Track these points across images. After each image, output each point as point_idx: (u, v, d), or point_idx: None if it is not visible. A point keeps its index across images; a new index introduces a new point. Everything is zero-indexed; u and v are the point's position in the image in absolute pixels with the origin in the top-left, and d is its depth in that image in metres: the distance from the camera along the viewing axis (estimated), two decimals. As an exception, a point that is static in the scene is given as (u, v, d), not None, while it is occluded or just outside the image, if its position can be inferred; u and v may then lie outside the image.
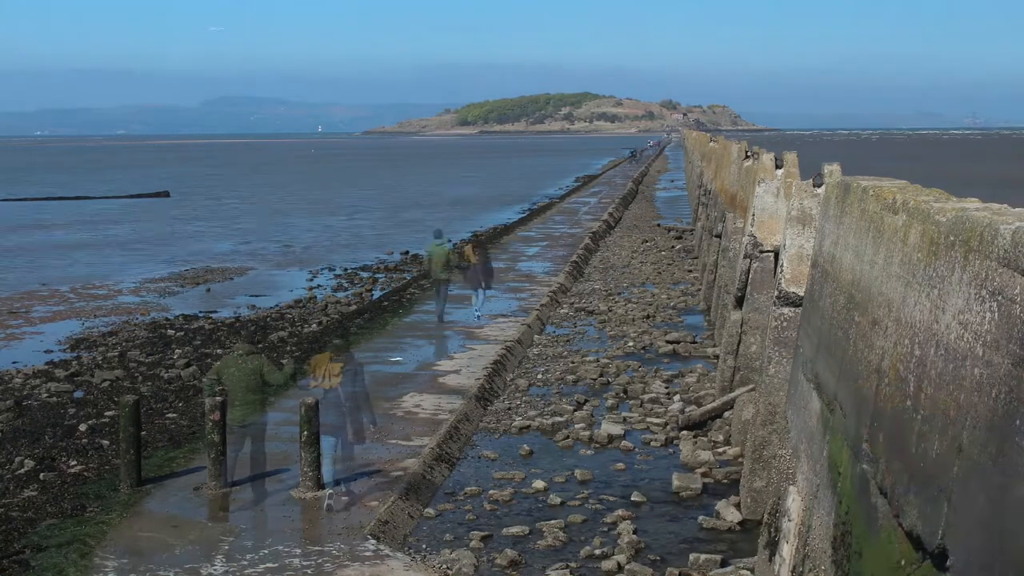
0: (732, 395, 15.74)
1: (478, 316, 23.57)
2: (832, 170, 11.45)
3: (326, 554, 10.70)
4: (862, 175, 8.93)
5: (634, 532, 11.95)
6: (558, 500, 13.10)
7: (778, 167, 16.23)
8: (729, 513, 12.34)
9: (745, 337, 15.62)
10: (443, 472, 14.03)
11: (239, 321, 25.71)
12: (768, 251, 15.16)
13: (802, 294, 10.89)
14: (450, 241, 28.61)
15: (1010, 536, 4.00)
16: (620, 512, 12.62)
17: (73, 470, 13.68)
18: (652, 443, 15.63)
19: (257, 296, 30.94)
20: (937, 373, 5.06)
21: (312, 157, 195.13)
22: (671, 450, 15.34)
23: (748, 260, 15.74)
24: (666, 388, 18.68)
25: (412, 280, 31.51)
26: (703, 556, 11.15)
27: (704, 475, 13.98)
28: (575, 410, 17.24)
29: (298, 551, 10.76)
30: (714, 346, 21.50)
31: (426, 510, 12.66)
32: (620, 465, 14.61)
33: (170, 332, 24.44)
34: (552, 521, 12.31)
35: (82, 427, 15.88)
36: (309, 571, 10.28)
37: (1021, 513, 3.92)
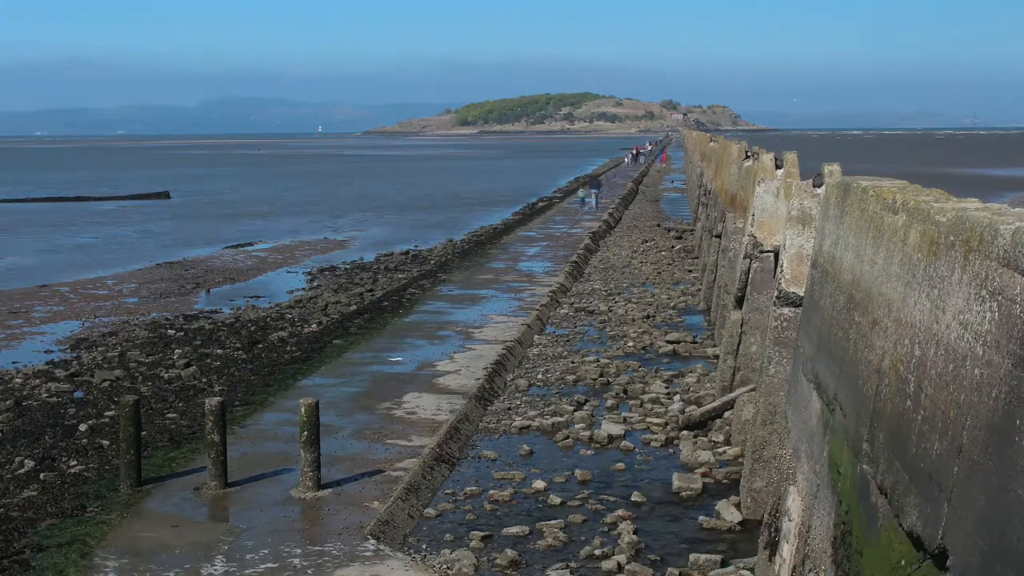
0: (732, 395, 15.73)
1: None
2: (832, 170, 11.45)
3: (326, 554, 10.70)
4: (862, 175, 8.93)
5: (634, 532, 11.95)
6: (558, 500, 13.09)
7: (778, 167, 16.23)
8: (729, 513, 12.34)
9: (745, 337, 15.62)
10: (443, 472, 14.03)
11: (239, 321, 25.70)
12: (768, 251, 15.17)
13: (802, 294, 10.89)
14: None
15: (1010, 536, 4.00)
16: (620, 512, 12.61)
17: (73, 470, 13.67)
18: (652, 443, 15.63)
19: (257, 296, 30.94)
20: (937, 373, 5.06)
21: (312, 158, 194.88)
22: (671, 450, 15.34)
23: (748, 260, 15.74)
24: (666, 388, 18.67)
25: (412, 280, 31.52)
26: (703, 556, 11.15)
27: (704, 475, 13.97)
28: (575, 410, 17.23)
29: (298, 551, 10.76)
30: (714, 346, 21.50)
31: (426, 510, 12.66)
32: (620, 465, 14.61)
33: (170, 332, 24.44)
34: (552, 521, 12.31)
35: (82, 427, 15.87)
36: (309, 571, 10.28)
37: (1021, 513, 3.92)
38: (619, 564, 11.05)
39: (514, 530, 12.05)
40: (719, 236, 24.40)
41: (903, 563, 5.25)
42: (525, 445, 15.38)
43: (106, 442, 14.91)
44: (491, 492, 13.33)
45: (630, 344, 22.44)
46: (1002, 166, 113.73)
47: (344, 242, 47.18)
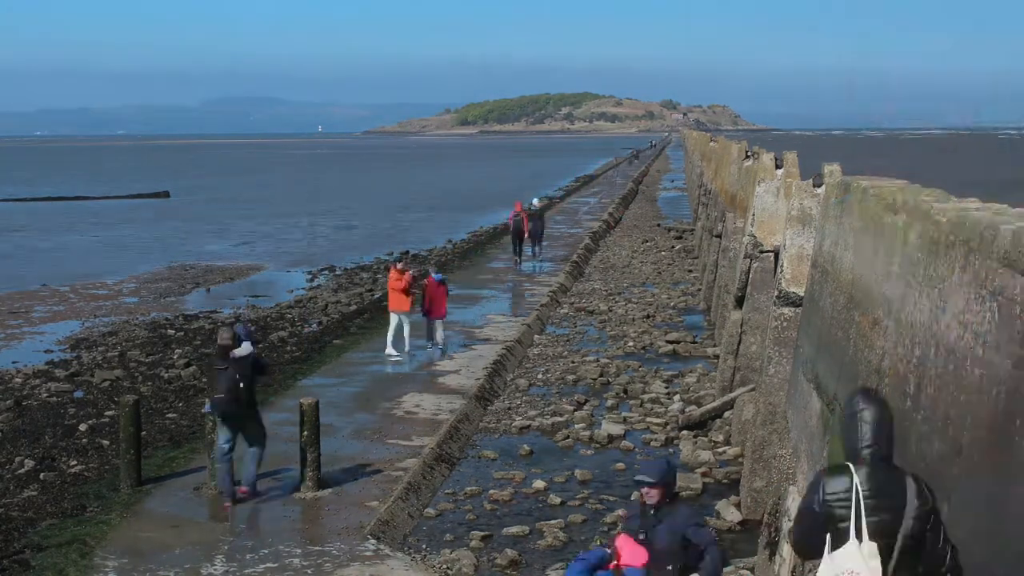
0: (732, 395, 15.73)
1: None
2: (832, 170, 11.44)
3: (326, 554, 10.70)
4: (861, 175, 8.93)
5: (634, 532, 11.93)
6: (558, 500, 13.09)
7: (778, 167, 16.22)
8: (729, 513, 12.34)
9: (745, 337, 15.62)
10: (443, 472, 14.02)
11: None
12: (768, 251, 15.17)
13: (802, 294, 10.89)
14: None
15: (1010, 536, 3.99)
16: (620, 512, 12.60)
17: (73, 470, 13.67)
18: (652, 443, 15.62)
19: (257, 296, 30.94)
20: (937, 373, 5.06)
21: (312, 158, 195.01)
22: (671, 450, 15.33)
23: (748, 260, 15.74)
24: (666, 388, 18.67)
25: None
26: (703, 556, 11.13)
27: (704, 475, 13.97)
28: (575, 410, 17.23)
29: (298, 551, 10.75)
30: (714, 346, 21.49)
31: (426, 510, 12.65)
32: (620, 465, 14.61)
33: (170, 332, 24.44)
34: (552, 521, 12.31)
35: (82, 427, 15.88)
36: (309, 571, 10.27)
37: (1021, 513, 3.91)
38: (619, 564, 11.04)
39: (514, 530, 12.04)
40: (719, 236, 24.40)
41: (903, 563, 5.24)
42: (525, 445, 15.38)
43: (106, 442, 14.91)
44: (491, 492, 13.33)
45: (630, 344, 22.44)
46: (1006, 166, 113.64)
47: (342, 241, 47.17)
